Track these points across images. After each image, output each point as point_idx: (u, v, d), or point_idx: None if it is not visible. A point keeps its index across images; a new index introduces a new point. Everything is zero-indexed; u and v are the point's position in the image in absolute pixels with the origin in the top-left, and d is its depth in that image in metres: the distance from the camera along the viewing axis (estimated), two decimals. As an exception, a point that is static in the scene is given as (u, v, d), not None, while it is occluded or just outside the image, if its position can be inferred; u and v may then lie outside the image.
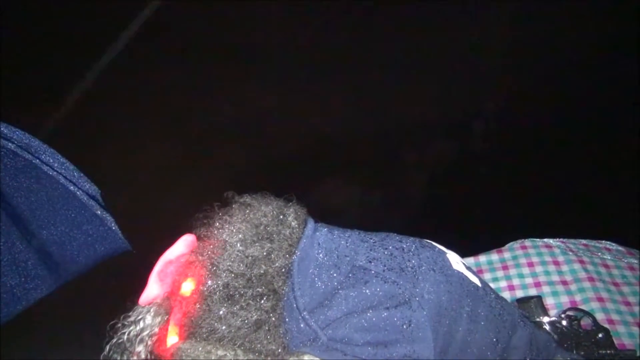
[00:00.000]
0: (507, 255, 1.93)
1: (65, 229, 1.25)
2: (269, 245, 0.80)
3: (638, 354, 1.15)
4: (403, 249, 0.85)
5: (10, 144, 1.18)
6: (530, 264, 1.87)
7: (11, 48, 3.32)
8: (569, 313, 1.05)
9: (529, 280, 1.81)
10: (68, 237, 1.25)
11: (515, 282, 1.82)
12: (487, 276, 1.87)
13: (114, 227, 1.31)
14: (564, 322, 1.02)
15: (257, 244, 0.79)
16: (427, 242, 0.92)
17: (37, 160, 1.25)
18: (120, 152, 3.46)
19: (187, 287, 0.77)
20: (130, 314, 0.83)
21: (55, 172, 1.26)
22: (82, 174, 1.37)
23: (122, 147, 3.53)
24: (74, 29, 3.62)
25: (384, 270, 0.80)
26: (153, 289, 0.82)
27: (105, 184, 1.36)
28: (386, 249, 0.85)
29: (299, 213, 0.89)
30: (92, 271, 1.29)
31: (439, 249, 0.92)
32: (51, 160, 1.30)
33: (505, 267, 1.87)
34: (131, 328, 0.81)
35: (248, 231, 0.81)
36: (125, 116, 3.63)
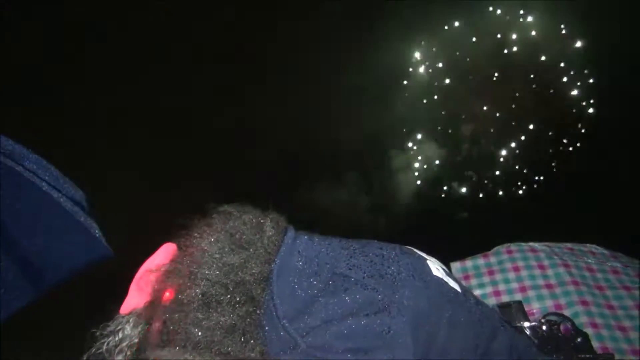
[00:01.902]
0: (493, 259, 1.94)
1: (46, 238, 1.24)
2: (245, 253, 0.80)
3: (617, 358, 1.17)
4: (383, 256, 0.86)
5: (-9, 151, 1.17)
6: (516, 268, 1.88)
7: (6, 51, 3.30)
8: (549, 318, 1.06)
9: (514, 285, 1.82)
10: (50, 245, 1.24)
11: (501, 287, 1.83)
12: (473, 282, 1.88)
13: (98, 234, 1.30)
14: (544, 327, 1.03)
15: (234, 252, 0.80)
16: (407, 248, 0.93)
17: (20, 167, 1.23)
18: (108, 158, 3.44)
19: (167, 296, 0.77)
20: (109, 323, 0.82)
21: (38, 179, 1.24)
22: (67, 180, 1.35)
23: (109, 152, 3.52)
24: (64, 32, 3.61)
25: (363, 278, 0.80)
26: (133, 298, 0.82)
27: (91, 190, 1.35)
28: (366, 256, 0.85)
29: (277, 221, 0.89)
30: (74, 279, 1.28)
31: (419, 256, 0.92)
32: (35, 167, 1.29)
33: (491, 272, 1.89)
34: (110, 338, 0.80)
35: (226, 240, 0.81)
36: (113, 122, 3.61)
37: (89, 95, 3.63)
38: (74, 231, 1.25)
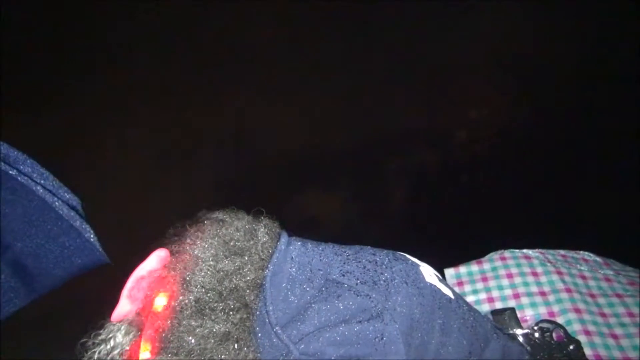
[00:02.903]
0: (486, 266, 1.95)
1: (41, 241, 1.23)
2: (240, 259, 0.80)
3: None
4: (376, 262, 0.86)
5: (-15, 155, 1.17)
6: (510, 275, 1.89)
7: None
8: (542, 325, 1.07)
9: (508, 292, 1.83)
10: (44, 249, 1.23)
11: (495, 294, 1.84)
12: (467, 288, 1.89)
13: (92, 238, 1.30)
14: (537, 334, 1.04)
15: (228, 259, 0.80)
16: (400, 254, 0.93)
17: (14, 171, 1.23)
18: (101, 162, 3.43)
19: (159, 303, 0.77)
20: (101, 331, 0.82)
21: (33, 183, 1.24)
22: (61, 185, 1.35)
23: (103, 156, 3.51)
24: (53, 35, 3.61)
25: (357, 284, 0.81)
26: (124, 306, 0.81)
27: (85, 195, 1.35)
28: (359, 262, 0.85)
29: (271, 227, 0.90)
30: (67, 284, 1.28)
31: (412, 262, 0.93)
32: (29, 171, 1.29)
33: (484, 279, 1.90)
34: (101, 347, 0.80)
35: (220, 246, 0.81)
36: (107, 125, 3.60)
37: (88, 96, 3.62)
38: (69, 235, 1.25)
